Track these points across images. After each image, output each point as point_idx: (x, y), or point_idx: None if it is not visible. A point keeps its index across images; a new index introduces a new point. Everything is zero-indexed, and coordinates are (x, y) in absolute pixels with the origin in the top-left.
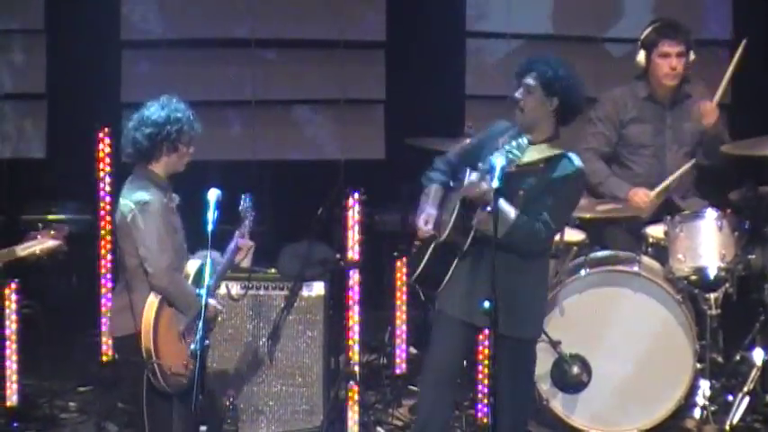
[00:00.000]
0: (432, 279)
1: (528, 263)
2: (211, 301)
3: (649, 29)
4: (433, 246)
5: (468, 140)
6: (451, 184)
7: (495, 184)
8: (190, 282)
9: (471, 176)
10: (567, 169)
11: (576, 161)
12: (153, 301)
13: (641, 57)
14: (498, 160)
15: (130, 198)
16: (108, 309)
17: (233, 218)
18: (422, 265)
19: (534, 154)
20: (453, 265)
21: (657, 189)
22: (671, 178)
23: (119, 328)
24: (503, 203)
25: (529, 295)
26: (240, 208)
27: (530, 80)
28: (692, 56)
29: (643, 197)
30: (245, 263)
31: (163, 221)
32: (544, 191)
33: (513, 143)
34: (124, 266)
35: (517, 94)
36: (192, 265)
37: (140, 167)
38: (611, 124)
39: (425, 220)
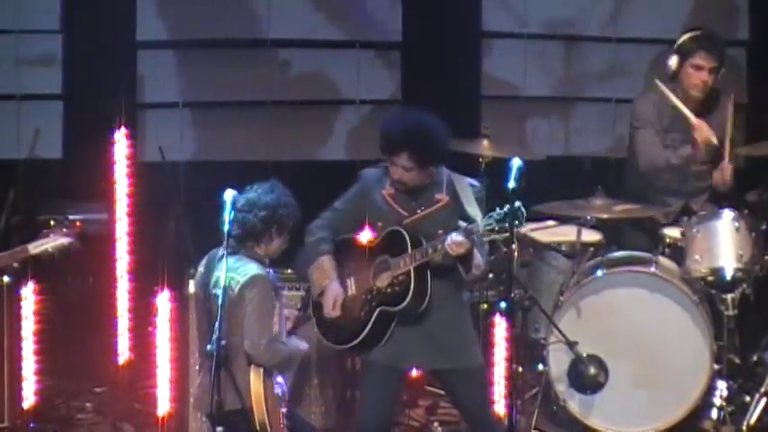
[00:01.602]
0: (368, 344)
1: (458, 295)
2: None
3: (688, 36)
4: (375, 316)
5: (340, 201)
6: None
7: (512, 184)
8: (199, 277)
9: (455, 236)
10: (467, 183)
11: (464, 179)
12: (257, 373)
13: (673, 61)
14: (515, 161)
15: (236, 271)
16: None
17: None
18: (362, 337)
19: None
20: (392, 327)
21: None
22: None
23: (225, 404)
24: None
25: (466, 326)
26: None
27: (404, 162)
28: (722, 70)
29: (702, 127)
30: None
31: (270, 297)
32: (464, 209)
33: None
34: (221, 343)
35: (395, 176)
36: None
37: (245, 248)
38: (657, 123)
39: (334, 301)
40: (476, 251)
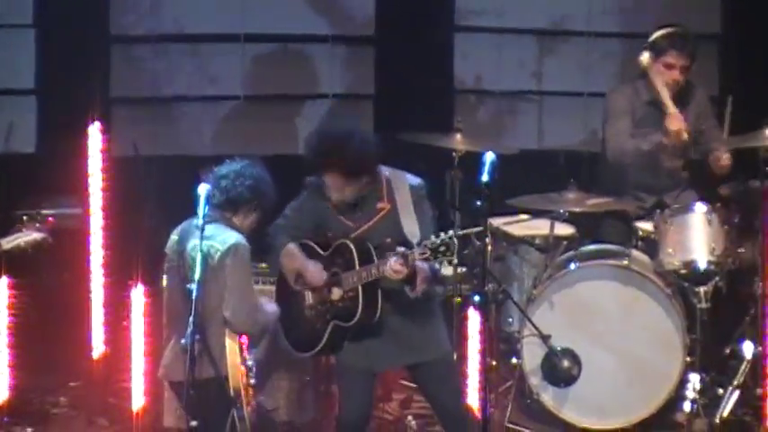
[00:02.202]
0: (329, 350)
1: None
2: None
3: (660, 33)
4: (330, 329)
5: (290, 208)
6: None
7: (485, 178)
8: (172, 244)
9: (393, 263)
10: (406, 185)
11: (404, 178)
12: (233, 341)
13: (645, 58)
14: (488, 155)
15: (215, 240)
16: (169, 352)
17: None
18: (318, 348)
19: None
20: (348, 337)
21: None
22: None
23: (199, 372)
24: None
25: (430, 317)
26: None
27: (334, 180)
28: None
29: (678, 118)
30: None
31: (249, 265)
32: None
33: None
34: (198, 311)
35: (333, 197)
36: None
37: (219, 215)
38: (630, 115)
39: (319, 271)
40: (421, 265)
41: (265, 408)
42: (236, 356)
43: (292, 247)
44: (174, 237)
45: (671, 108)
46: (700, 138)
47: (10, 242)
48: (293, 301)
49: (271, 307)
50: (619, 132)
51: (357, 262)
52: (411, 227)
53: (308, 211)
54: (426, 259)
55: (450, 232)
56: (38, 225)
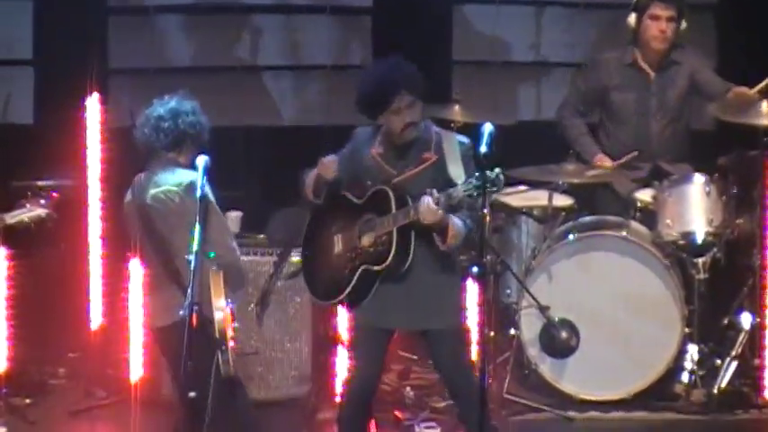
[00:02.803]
0: (354, 296)
1: (445, 256)
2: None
3: None
4: (358, 274)
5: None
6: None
7: (484, 149)
8: (128, 203)
9: (429, 202)
10: (455, 140)
11: (452, 136)
12: (216, 284)
13: (632, 19)
14: (486, 126)
15: (170, 183)
16: (154, 304)
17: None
18: (345, 294)
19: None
20: (376, 285)
21: (621, 161)
22: (629, 156)
23: (170, 317)
24: (451, 219)
25: (449, 287)
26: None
27: (408, 97)
28: (683, 24)
29: (606, 165)
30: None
31: (212, 200)
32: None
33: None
34: (169, 258)
35: (406, 117)
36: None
37: (165, 158)
38: (592, 90)
39: (330, 162)
40: (455, 219)
41: (244, 351)
42: (220, 298)
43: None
44: (128, 196)
45: (606, 162)
46: (702, 91)
47: (14, 217)
48: (319, 250)
49: None
50: (566, 102)
51: (394, 206)
52: (457, 174)
53: (349, 161)
54: (470, 196)
55: (497, 169)
56: (42, 201)
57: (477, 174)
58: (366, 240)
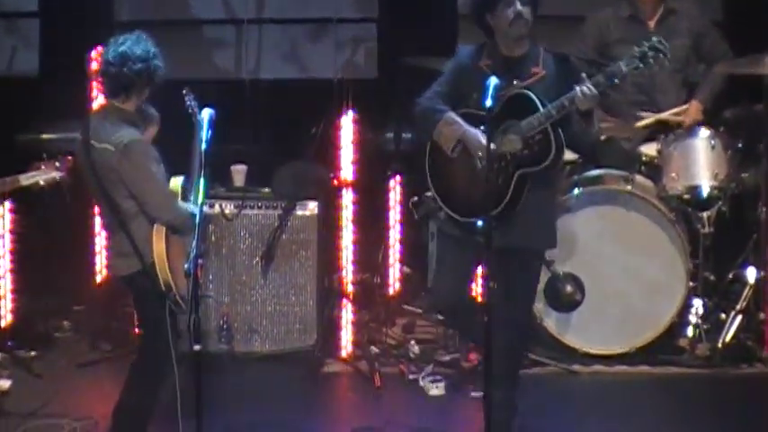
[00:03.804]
0: (511, 204)
1: (549, 177)
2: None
3: None
4: (515, 180)
5: (438, 82)
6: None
7: (489, 103)
8: (78, 150)
9: (586, 87)
10: (558, 61)
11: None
12: (159, 232)
13: None
14: (492, 80)
15: (109, 141)
16: (108, 252)
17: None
18: (506, 201)
19: (526, 67)
20: (527, 191)
21: (644, 122)
22: (662, 115)
23: (126, 268)
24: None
25: (549, 206)
26: (187, 104)
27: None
28: None
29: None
30: None
31: (149, 156)
32: (560, 88)
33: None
34: (115, 209)
35: (518, 6)
36: (175, 184)
37: (111, 106)
38: (591, 49)
39: (480, 144)
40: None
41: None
42: (161, 245)
43: (452, 115)
44: (79, 136)
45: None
46: (701, 52)
47: (29, 178)
48: (455, 174)
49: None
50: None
51: (539, 105)
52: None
53: (459, 79)
54: (636, 68)
55: (654, 38)
56: (57, 164)
57: (636, 48)
58: (512, 145)
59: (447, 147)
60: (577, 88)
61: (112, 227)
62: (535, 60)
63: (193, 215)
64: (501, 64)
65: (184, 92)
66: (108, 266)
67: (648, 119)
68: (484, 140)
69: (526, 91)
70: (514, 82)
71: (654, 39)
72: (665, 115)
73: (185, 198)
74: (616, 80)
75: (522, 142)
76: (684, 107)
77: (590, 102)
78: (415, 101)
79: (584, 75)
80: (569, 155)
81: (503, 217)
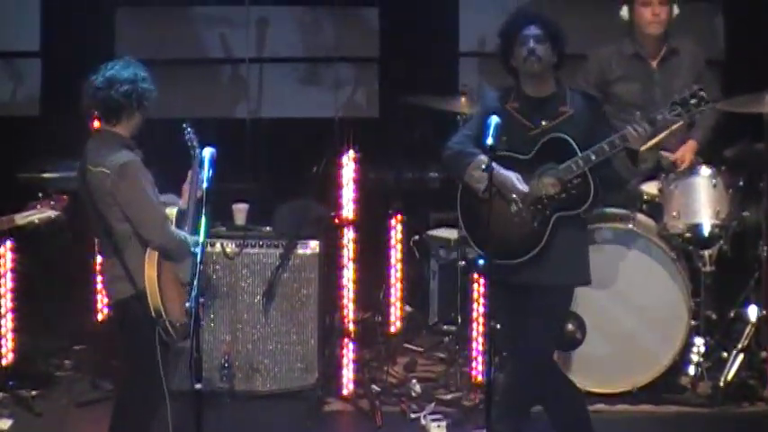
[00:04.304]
0: (548, 246)
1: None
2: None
3: None
4: (552, 222)
5: (466, 126)
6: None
7: (490, 141)
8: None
9: (637, 127)
10: (586, 101)
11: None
12: (152, 258)
13: (624, 11)
14: (493, 118)
15: (104, 165)
16: (103, 276)
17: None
18: (543, 244)
19: (554, 107)
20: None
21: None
22: (659, 137)
23: (118, 292)
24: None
25: (578, 243)
26: (186, 137)
27: (536, 30)
28: (675, 9)
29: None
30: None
31: (145, 179)
32: (588, 127)
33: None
34: (109, 232)
35: (530, 44)
36: (171, 212)
37: (105, 132)
38: (592, 80)
39: (516, 179)
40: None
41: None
42: (153, 271)
43: (483, 158)
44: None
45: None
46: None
47: (24, 218)
48: (485, 212)
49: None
50: None
51: (577, 149)
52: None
53: (481, 122)
54: (678, 115)
55: (694, 87)
56: (53, 203)
57: (676, 96)
58: (551, 188)
59: (478, 189)
60: (629, 127)
61: (107, 251)
62: (562, 100)
63: (187, 243)
64: (528, 105)
65: (184, 125)
66: (104, 292)
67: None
68: (519, 184)
69: (564, 135)
70: (542, 122)
71: (695, 87)
72: (661, 136)
73: (180, 226)
74: (657, 125)
75: (561, 186)
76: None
77: (642, 140)
78: (445, 145)
79: (638, 113)
80: None
81: (534, 256)
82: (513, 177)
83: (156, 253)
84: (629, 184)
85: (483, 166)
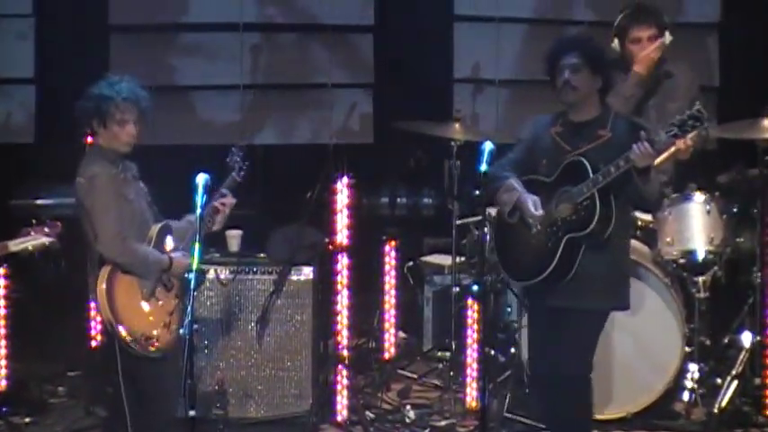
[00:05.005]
0: (559, 269)
1: (610, 239)
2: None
3: (620, 16)
4: (563, 244)
5: (514, 150)
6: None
7: (484, 167)
8: (151, 245)
9: (639, 144)
10: (628, 125)
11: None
12: (104, 271)
13: (615, 45)
14: (487, 144)
15: (81, 174)
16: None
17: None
18: (552, 267)
19: (593, 130)
20: (578, 259)
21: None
22: (662, 156)
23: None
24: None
25: (606, 267)
26: (228, 159)
27: (574, 59)
28: (667, 37)
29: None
30: (217, 225)
31: (110, 192)
32: (624, 151)
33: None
34: (89, 243)
35: (565, 75)
36: (153, 229)
37: (93, 144)
38: None
39: (533, 203)
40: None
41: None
42: (103, 284)
43: (512, 181)
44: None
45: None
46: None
47: (17, 245)
48: (513, 234)
49: (172, 256)
50: None
51: (591, 171)
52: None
53: (533, 146)
54: (674, 135)
55: (697, 104)
56: (46, 230)
57: (677, 116)
58: (564, 211)
59: (504, 212)
60: (634, 146)
61: (92, 263)
62: (602, 124)
63: (151, 260)
64: (570, 130)
65: (233, 148)
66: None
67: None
68: (533, 208)
69: (580, 158)
70: (580, 146)
71: (695, 107)
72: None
73: (159, 244)
74: (657, 146)
75: (573, 208)
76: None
77: (646, 159)
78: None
79: (642, 133)
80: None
81: (553, 279)
82: (530, 201)
83: (110, 266)
84: (658, 201)
85: (512, 188)
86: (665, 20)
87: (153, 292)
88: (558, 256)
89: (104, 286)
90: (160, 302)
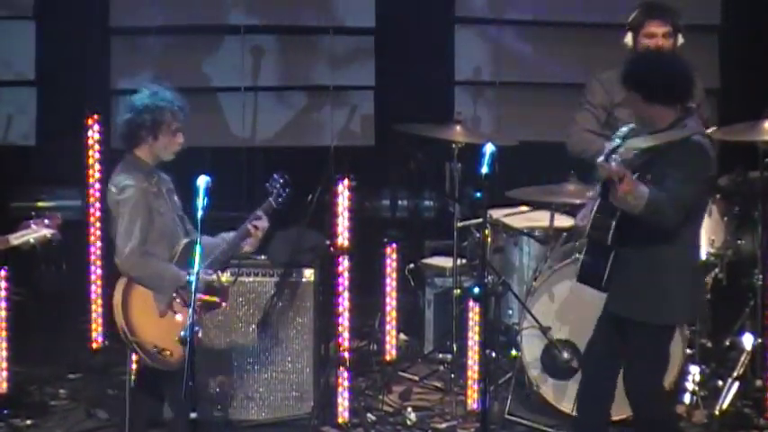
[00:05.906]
0: (592, 277)
1: (661, 247)
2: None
3: (637, 11)
4: (587, 245)
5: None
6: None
7: (485, 170)
8: (175, 260)
9: (599, 159)
10: (686, 147)
11: (697, 138)
12: (121, 281)
13: (629, 38)
14: (488, 147)
15: (113, 183)
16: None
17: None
18: (579, 265)
19: (655, 140)
20: (610, 261)
21: None
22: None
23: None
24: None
25: (652, 277)
26: (268, 184)
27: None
28: (680, 39)
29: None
30: (249, 247)
31: (138, 206)
32: (666, 170)
33: (620, 132)
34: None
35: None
36: (180, 244)
37: (127, 153)
38: (601, 108)
39: (582, 216)
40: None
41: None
42: (119, 295)
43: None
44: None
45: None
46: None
47: (18, 238)
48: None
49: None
50: (584, 128)
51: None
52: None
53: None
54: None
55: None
56: (46, 222)
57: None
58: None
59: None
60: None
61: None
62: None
63: (165, 275)
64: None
65: (276, 176)
66: None
67: None
68: (578, 216)
69: None
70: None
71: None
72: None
73: (183, 259)
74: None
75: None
76: None
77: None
78: None
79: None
80: (565, 221)
81: (621, 288)
82: (585, 208)
83: (126, 278)
84: (655, 220)
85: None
86: (679, 20)
87: (170, 307)
88: (609, 265)
89: (119, 297)
90: (177, 316)
